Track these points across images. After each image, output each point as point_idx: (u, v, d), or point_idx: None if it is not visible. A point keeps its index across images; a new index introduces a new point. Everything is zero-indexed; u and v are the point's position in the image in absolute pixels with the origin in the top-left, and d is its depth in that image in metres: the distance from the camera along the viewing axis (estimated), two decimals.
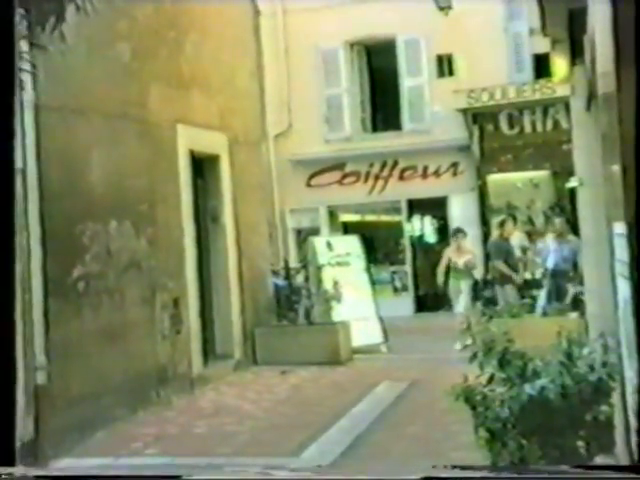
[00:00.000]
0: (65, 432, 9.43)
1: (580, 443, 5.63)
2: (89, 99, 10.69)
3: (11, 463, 2.90)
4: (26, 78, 7.47)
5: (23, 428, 8.89)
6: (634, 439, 2.71)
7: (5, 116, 3.16)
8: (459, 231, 17.39)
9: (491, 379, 5.91)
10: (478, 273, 19.35)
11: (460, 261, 15.60)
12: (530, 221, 20.69)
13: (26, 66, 7.39)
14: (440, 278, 16.32)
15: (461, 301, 15.76)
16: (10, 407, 3.00)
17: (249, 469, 3.47)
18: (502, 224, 17.58)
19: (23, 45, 7.26)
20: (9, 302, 3.13)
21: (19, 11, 6.57)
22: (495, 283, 16.37)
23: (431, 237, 22.55)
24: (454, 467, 3.28)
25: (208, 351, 13.57)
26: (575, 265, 14.74)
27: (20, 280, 9.07)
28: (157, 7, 12.41)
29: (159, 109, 12.29)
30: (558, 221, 17.17)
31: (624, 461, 5.25)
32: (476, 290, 15.97)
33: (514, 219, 18.25)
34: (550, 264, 15.74)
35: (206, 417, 10.82)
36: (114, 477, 3.04)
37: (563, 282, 14.95)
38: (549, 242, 16.31)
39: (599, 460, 5.64)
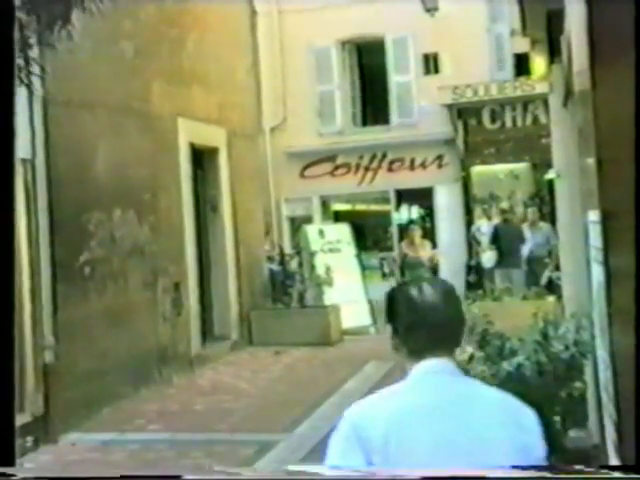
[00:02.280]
0: (73, 408, 9.45)
1: (556, 418, 5.67)
2: (95, 94, 10.69)
3: (11, 463, 2.88)
4: (35, 75, 7.46)
5: (33, 404, 8.93)
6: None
7: (5, 112, 3.15)
8: (412, 223, 17.19)
9: (471, 358, 5.94)
10: (461, 259, 19.40)
11: (425, 255, 14.80)
12: (511, 210, 20.69)
13: (35, 63, 7.38)
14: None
15: None
16: (9, 407, 3.00)
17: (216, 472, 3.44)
18: (508, 211, 17.57)
19: (33, 44, 7.25)
20: (9, 290, 3.11)
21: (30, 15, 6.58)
22: (508, 266, 16.15)
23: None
24: None
25: (207, 332, 13.60)
26: (549, 251, 14.77)
27: (29, 265, 9.09)
28: (159, 7, 12.38)
29: (161, 103, 12.28)
30: (530, 210, 17.21)
31: (596, 436, 5.29)
32: None
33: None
34: (525, 251, 15.78)
35: (205, 395, 10.85)
36: (114, 477, 3.04)
37: (538, 267, 14.97)
38: (524, 230, 16.35)
39: (572, 434, 5.68)
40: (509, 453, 2.55)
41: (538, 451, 2.62)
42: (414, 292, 2.74)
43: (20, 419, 8.24)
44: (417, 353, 2.69)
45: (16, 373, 7.58)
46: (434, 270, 15.18)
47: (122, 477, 2.76)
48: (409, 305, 2.73)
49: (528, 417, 2.70)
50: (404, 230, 18.94)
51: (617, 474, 2.48)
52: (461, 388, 2.69)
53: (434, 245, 17.90)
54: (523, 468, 2.47)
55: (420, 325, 2.68)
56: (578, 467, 2.48)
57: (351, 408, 2.69)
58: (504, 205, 19.57)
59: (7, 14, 3.06)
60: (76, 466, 8.04)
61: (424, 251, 14.79)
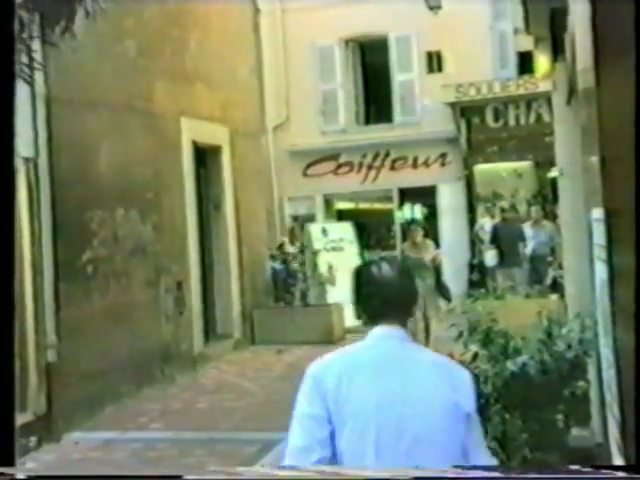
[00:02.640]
0: (75, 407, 9.46)
1: (559, 417, 5.66)
2: (98, 92, 10.69)
3: (11, 463, 2.89)
4: (38, 73, 7.46)
5: (36, 403, 8.93)
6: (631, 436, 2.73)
7: (5, 111, 3.14)
8: (412, 223, 17.06)
9: (475, 357, 5.93)
10: (464, 257, 19.38)
11: (427, 256, 14.54)
12: (514, 209, 20.68)
13: (38, 62, 7.39)
14: None
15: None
16: (10, 407, 2.99)
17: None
18: (508, 210, 17.49)
19: (35, 43, 7.26)
20: (9, 289, 3.10)
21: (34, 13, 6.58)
22: (509, 265, 16.06)
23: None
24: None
25: (209, 331, 13.60)
26: (552, 249, 14.75)
27: (32, 263, 9.09)
28: (162, 6, 12.38)
29: (164, 102, 12.28)
30: (534, 209, 17.19)
31: (599, 434, 5.28)
32: (440, 286, 14.76)
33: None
34: (528, 249, 15.77)
35: (207, 393, 10.85)
36: (114, 477, 3.05)
37: (541, 266, 14.95)
38: (527, 229, 16.33)
39: (575, 433, 5.67)
40: (441, 407, 3.02)
41: (467, 407, 3.07)
42: (374, 268, 3.25)
43: (23, 418, 8.24)
44: (373, 319, 3.21)
45: (18, 372, 7.59)
46: (437, 270, 14.98)
47: (124, 476, 2.76)
48: (368, 279, 3.24)
49: (461, 379, 3.15)
50: (407, 229, 18.89)
51: (621, 474, 2.47)
52: (406, 351, 3.16)
53: (437, 244, 17.85)
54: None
55: (376, 296, 3.19)
56: (580, 467, 2.48)
57: (313, 363, 3.21)
58: (504, 204, 19.55)
59: (7, 13, 3.05)
60: (79, 465, 8.04)
61: (426, 252, 14.53)
